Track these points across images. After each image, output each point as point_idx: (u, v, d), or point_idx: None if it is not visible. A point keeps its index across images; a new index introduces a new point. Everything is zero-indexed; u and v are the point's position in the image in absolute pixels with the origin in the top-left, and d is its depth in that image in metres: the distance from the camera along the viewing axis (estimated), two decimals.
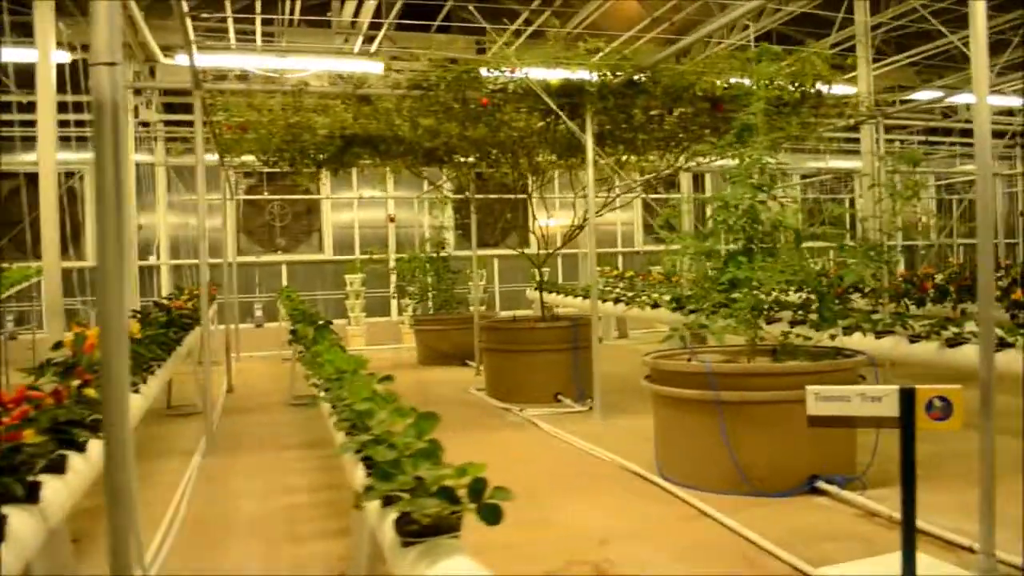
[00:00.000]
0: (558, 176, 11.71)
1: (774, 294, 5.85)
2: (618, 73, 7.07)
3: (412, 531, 2.51)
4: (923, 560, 4.02)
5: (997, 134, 18.23)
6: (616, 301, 11.96)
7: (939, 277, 11.16)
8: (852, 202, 18.96)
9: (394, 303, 16.33)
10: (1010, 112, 17.64)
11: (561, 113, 6.97)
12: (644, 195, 10.11)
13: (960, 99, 14.07)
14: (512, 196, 13.04)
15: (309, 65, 11.65)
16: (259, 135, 8.37)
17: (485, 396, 9.20)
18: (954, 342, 6.88)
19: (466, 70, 6.98)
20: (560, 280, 16.04)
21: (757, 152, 5.59)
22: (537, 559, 4.22)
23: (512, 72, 6.87)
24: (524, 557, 4.27)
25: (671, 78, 7.01)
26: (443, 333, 12.19)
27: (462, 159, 10.24)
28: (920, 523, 4.49)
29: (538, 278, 9.75)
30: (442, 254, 13.48)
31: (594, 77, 7.31)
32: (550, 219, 10.49)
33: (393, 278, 15.22)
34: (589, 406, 7.96)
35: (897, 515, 4.64)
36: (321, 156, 9.34)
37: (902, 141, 18.49)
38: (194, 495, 5.69)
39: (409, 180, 14.78)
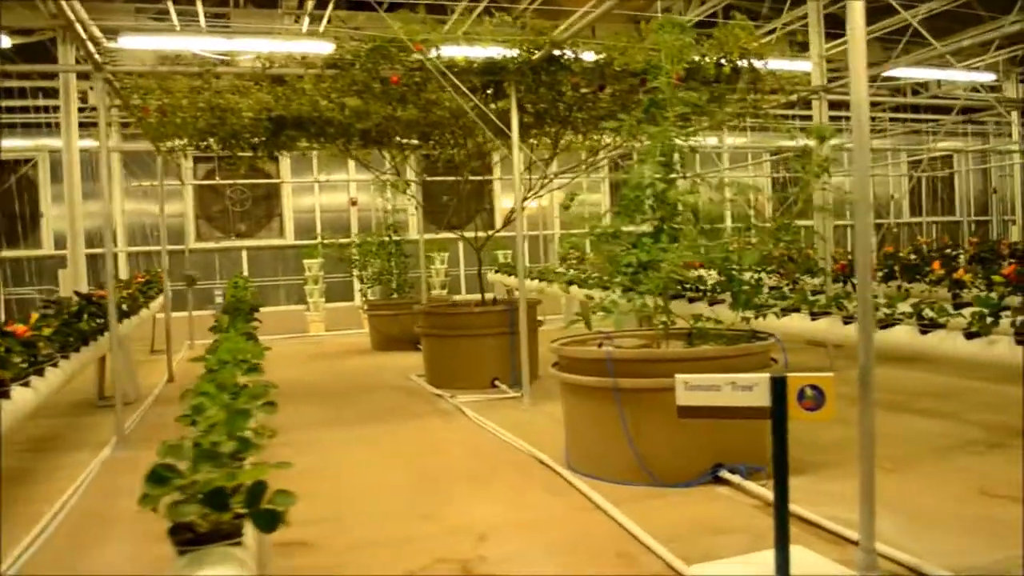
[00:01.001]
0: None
1: (694, 273, 5.65)
2: (534, 50, 6.83)
3: (187, 539, 2.31)
4: (804, 556, 3.85)
5: (970, 109, 18.03)
6: (539, 279, 11.83)
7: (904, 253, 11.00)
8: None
9: (357, 288, 16.10)
10: (976, 89, 17.42)
11: (467, 95, 6.73)
12: (587, 174, 9.88)
13: (904, 73, 13.80)
14: (477, 178, 12.81)
15: (256, 47, 11.38)
16: (182, 118, 8.11)
17: (424, 382, 9.01)
18: (885, 323, 6.69)
19: (375, 47, 6.72)
20: (527, 262, 15.83)
21: (666, 129, 5.37)
22: (404, 557, 4.04)
23: (421, 51, 6.61)
24: (391, 556, 4.10)
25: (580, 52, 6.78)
26: (395, 318, 11.98)
27: (403, 141, 10.02)
28: (812, 515, 4.34)
29: (501, 260, 9.54)
30: (395, 238, 13.24)
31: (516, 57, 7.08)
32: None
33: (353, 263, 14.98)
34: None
35: (794, 507, 4.48)
36: (254, 140, 9.09)
37: (874, 118, 18.27)
38: (89, 490, 5.50)
39: (374, 163, 14.56)
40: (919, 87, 17.06)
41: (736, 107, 8.07)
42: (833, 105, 18.11)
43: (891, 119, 17.99)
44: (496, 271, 14.37)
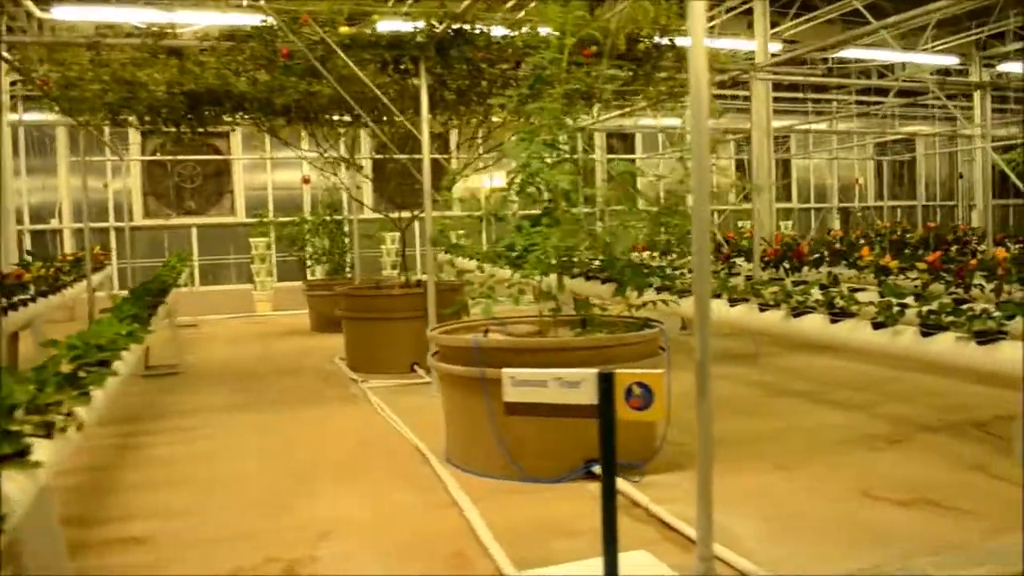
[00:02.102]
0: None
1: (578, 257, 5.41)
2: (435, 24, 6.55)
3: None
4: (642, 561, 3.64)
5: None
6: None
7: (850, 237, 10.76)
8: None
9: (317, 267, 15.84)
10: (947, 72, 17.20)
11: (356, 69, 6.46)
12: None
13: (856, 55, 13.52)
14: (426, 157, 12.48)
15: (196, 19, 11.07)
16: (90, 92, 7.81)
17: (344, 366, 8.77)
18: (799, 312, 6.48)
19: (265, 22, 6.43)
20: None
21: (551, 107, 5.11)
22: (238, 555, 3.83)
23: (308, 22, 6.32)
24: (225, 553, 3.88)
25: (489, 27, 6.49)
26: (334, 299, 11.69)
27: (333, 118, 9.74)
28: (670, 518, 4.12)
29: (454, 240, 9.22)
30: (336, 217, 12.93)
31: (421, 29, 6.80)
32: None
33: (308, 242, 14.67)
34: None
35: (655, 508, 4.27)
36: (171, 114, 8.80)
37: (838, 101, 18.04)
38: None
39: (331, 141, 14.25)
40: (885, 70, 16.81)
41: (662, 86, 7.80)
42: (789, 87, 17.91)
43: (857, 102, 17.71)
44: (446, 251, 14.06)
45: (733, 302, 7.19)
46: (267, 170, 16.21)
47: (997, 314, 5.15)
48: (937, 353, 5.34)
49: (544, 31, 6.50)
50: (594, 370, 3.26)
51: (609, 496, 3.32)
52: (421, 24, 6.87)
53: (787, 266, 8.58)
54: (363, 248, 14.30)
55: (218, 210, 16.28)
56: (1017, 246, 11.39)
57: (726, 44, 12.43)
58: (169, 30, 6.93)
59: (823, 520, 4.09)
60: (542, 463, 4.75)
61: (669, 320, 9.60)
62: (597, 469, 4.74)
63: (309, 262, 13.26)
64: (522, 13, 7.87)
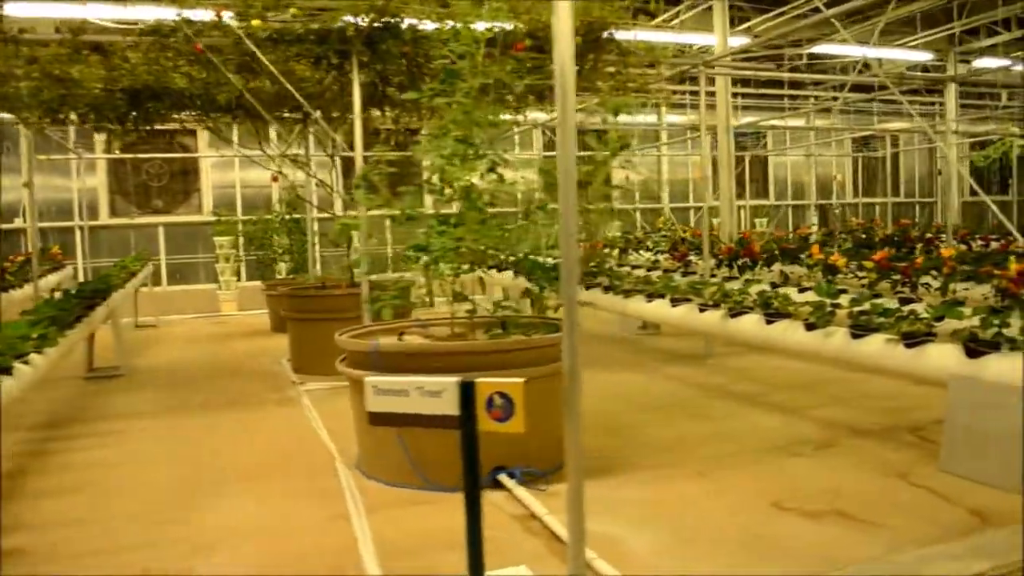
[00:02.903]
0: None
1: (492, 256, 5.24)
2: (360, 17, 6.36)
3: None
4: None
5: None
6: None
7: (815, 234, 10.57)
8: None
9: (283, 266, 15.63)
10: (925, 69, 17.02)
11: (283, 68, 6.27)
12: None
13: (830, 51, 13.30)
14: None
15: (151, 14, 10.86)
16: (15, 88, 7.62)
17: (290, 368, 8.60)
18: (736, 312, 6.31)
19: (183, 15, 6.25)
20: None
21: (464, 102, 4.93)
22: (116, 568, 3.70)
23: (219, 15, 6.13)
24: (103, 567, 3.74)
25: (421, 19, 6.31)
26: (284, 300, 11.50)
27: (284, 115, 9.56)
28: (561, 530, 3.95)
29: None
30: (295, 215, 12.70)
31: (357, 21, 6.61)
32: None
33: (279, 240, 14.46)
34: None
35: (549, 519, 4.10)
36: (114, 113, 8.62)
37: (816, 98, 17.85)
38: None
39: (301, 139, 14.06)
40: (864, 67, 16.57)
41: (607, 81, 7.62)
42: (768, 83, 17.74)
43: (832, 98, 17.50)
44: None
45: (675, 302, 7.03)
46: (235, 168, 15.99)
47: (925, 315, 4.98)
48: (866, 356, 5.18)
49: (481, 26, 6.34)
50: (455, 379, 3.08)
51: (473, 515, 3.16)
52: (350, 18, 6.69)
53: (738, 264, 8.41)
54: (327, 247, 14.17)
55: (186, 208, 16.07)
56: (980, 244, 11.22)
57: (693, 39, 12.27)
58: (92, 24, 6.69)
59: (724, 533, 3.91)
60: (447, 471, 4.53)
61: (629, 320, 9.48)
62: (504, 478, 4.60)
63: (265, 261, 13.06)
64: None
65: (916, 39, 14.68)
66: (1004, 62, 14.76)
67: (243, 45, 6.69)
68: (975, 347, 4.54)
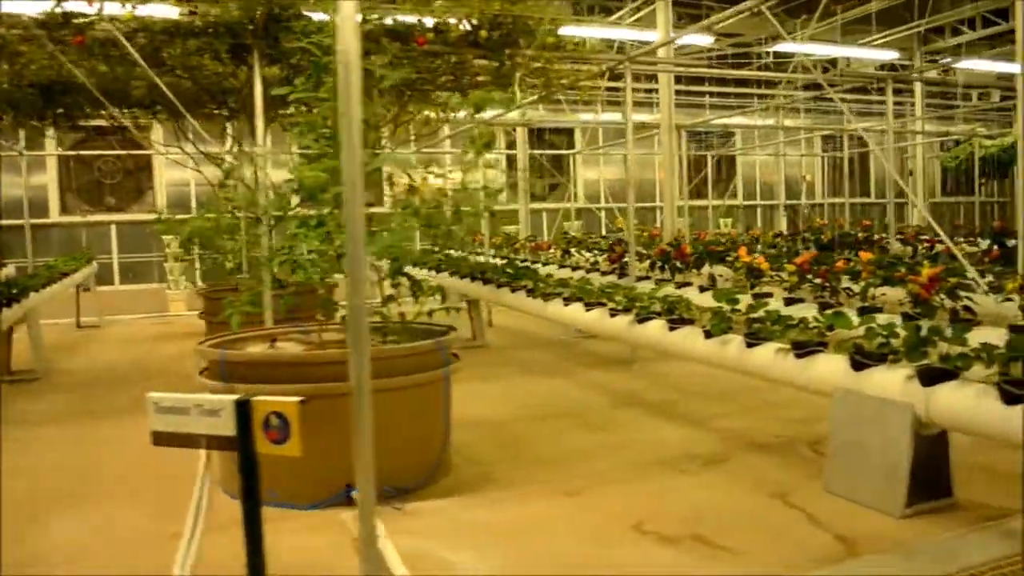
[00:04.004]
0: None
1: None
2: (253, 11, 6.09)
3: None
4: None
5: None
6: None
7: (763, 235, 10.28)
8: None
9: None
10: (893, 67, 16.74)
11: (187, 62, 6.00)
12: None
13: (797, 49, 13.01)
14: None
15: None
16: None
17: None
18: (643, 317, 6.05)
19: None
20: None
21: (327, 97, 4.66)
22: None
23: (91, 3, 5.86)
24: None
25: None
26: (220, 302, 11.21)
27: (214, 111, 9.31)
28: (390, 555, 3.67)
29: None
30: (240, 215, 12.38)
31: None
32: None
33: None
34: None
35: (383, 541, 3.82)
36: (31, 109, 8.37)
37: (771, 96, 17.57)
38: None
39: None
40: (828, 64, 16.35)
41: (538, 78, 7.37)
42: (739, 83, 17.45)
43: (805, 97, 17.21)
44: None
45: (589, 306, 6.77)
46: (190, 165, 15.69)
47: (815, 324, 4.72)
48: (758, 365, 4.93)
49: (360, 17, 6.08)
50: (232, 397, 2.82)
51: (254, 540, 2.89)
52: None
53: (669, 266, 8.16)
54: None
55: (139, 207, 15.79)
56: (925, 246, 10.97)
57: (643, 36, 11.99)
58: None
59: (568, 559, 3.66)
60: (299, 486, 4.31)
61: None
62: (357, 495, 4.33)
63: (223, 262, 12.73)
64: None
65: (879, 38, 14.42)
66: (977, 62, 14.49)
67: (138, 39, 6.43)
68: (860, 359, 4.28)
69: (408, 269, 4.93)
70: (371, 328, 5.01)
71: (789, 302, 6.69)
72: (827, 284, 6.49)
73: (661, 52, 9.51)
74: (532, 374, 7.78)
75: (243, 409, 2.79)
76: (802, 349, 4.63)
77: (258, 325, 6.89)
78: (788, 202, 19.50)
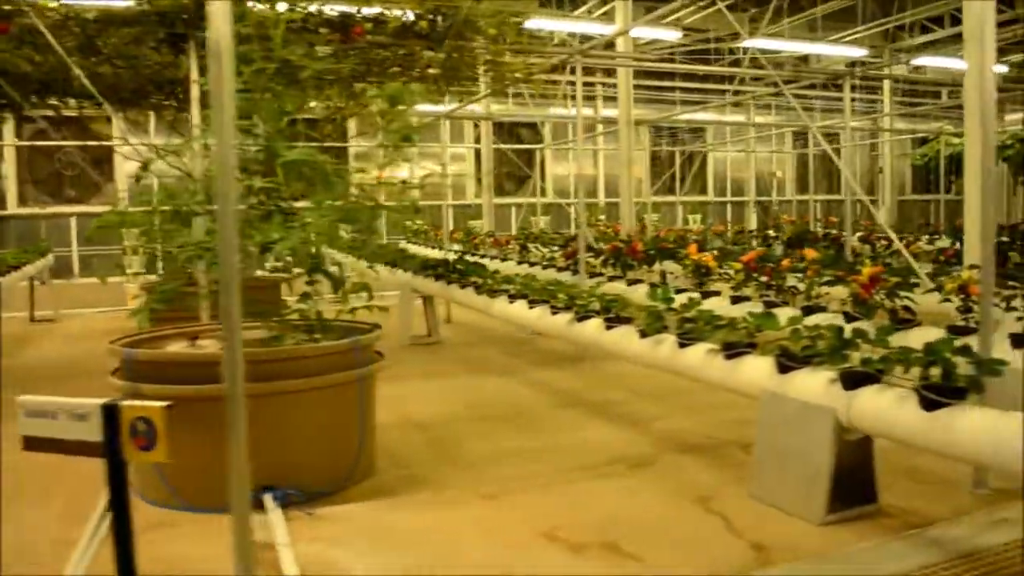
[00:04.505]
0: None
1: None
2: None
3: None
4: None
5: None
6: None
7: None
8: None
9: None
10: (863, 64, 16.62)
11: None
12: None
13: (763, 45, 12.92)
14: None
15: None
16: None
17: None
18: (583, 316, 5.94)
19: None
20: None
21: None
22: None
23: None
24: None
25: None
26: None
27: (163, 102, 9.14)
28: (286, 562, 3.56)
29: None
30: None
31: None
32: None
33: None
34: None
35: (282, 550, 3.71)
36: None
37: (742, 92, 17.48)
38: None
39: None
40: (798, 61, 16.28)
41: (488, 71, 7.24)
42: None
43: (772, 93, 17.12)
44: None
45: (532, 303, 6.65)
46: (136, 158, 15.48)
47: (743, 325, 4.62)
48: (689, 366, 4.83)
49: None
50: (99, 401, 2.68)
51: (124, 553, 2.75)
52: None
53: (621, 263, 8.06)
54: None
55: (99, 199, 15.55)
56: (882, 243, 10.91)
57: (606, 30, 11.85)
58: None
59: (470, 567, 3.54)
60: (208, 490, 4.13)
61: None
62: (269, 499, 4.20)
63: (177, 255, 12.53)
64: None
65: (849, 35, 14.34)
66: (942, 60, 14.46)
67: (71, 27, 6.26)
68: (785, 362, 4.18)
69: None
70: (298, 327, 4.88)
71: (735, 300, 6.62)
72: (771, 283, 6.40)
73: (620, 46, 9.39)
74: (480, 372, 7.66)
75: (111, 414, 2.65)
76: (731, 350, 4.53)
77: (194, 322, 6.75)
78: (759, 198, 19.47)
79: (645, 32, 14.06)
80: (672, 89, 17.33)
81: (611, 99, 16.93)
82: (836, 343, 3.90)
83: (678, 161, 18.34)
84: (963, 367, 3.50)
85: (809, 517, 3.89)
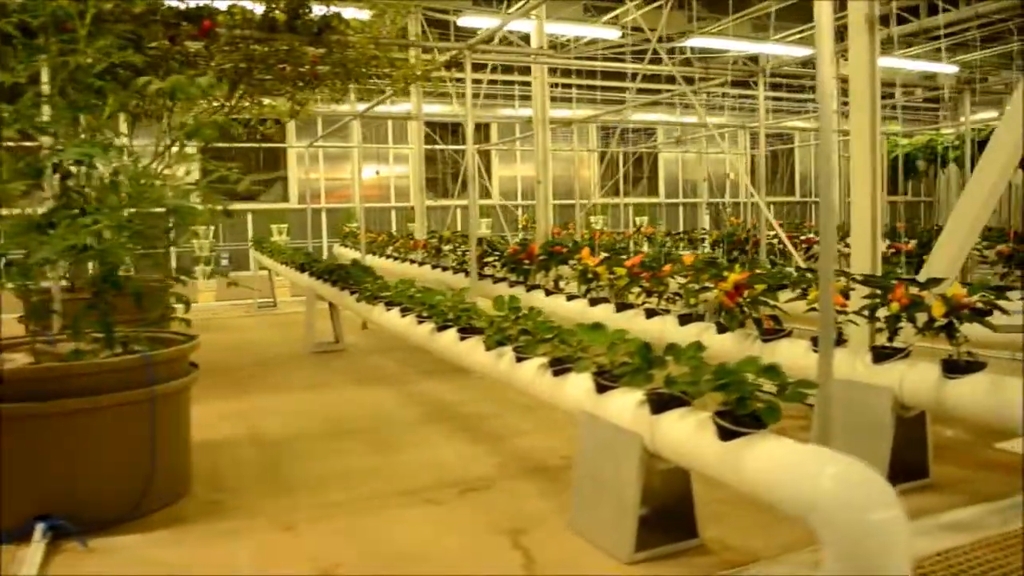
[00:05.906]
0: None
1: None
2: None
3: None
4: None
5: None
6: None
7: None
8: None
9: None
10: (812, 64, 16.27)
11: None
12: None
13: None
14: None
15: None
16: None
17: None
18: (442, 326, 5.61)
19: None
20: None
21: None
22: None
23: None
24: None
25: None
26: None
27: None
28: None
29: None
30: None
31: None
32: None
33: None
34: None
35: None
36: None
37: (695, 92, 17.16)
38: None
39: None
40: (749, 60, 15.96)
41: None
42: (655, 78, 16.99)
43: (723, 94, 16.84)
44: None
45: (404, 311, 6.30)
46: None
47: (573, 339, 4.27)
48: (522, 381, 4.49)
49: None
50: None
51: None
52: None
53: (516, 269, 7.74)
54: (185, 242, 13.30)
55: (28, 200, 15.10)
56: (804, 244, 10.59)
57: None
58: None
59: None
60: None
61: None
62: (39, 530, 3.84)
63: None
64: None
65: (793, 33, 14.05)
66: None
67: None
68: (601, 381, 3.83)
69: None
70: (120, 341, 4.52)
71: (620, 308, 6.28)
72: (652, 290, 6.06)
73: (535, 42, 9.04)
74: (364, 383, 7.31)
75: None
76: (558, 366, 4.19)
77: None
78: (711, 200, 19.14)
79: (587, 32, 13.76)
80: (621, 90, 16.96)
81: (559, 100, 16.63)
82: (639, 362, 3.55)
83: (626, 162, 17.98)
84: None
85: (617, 554, 3.55)
